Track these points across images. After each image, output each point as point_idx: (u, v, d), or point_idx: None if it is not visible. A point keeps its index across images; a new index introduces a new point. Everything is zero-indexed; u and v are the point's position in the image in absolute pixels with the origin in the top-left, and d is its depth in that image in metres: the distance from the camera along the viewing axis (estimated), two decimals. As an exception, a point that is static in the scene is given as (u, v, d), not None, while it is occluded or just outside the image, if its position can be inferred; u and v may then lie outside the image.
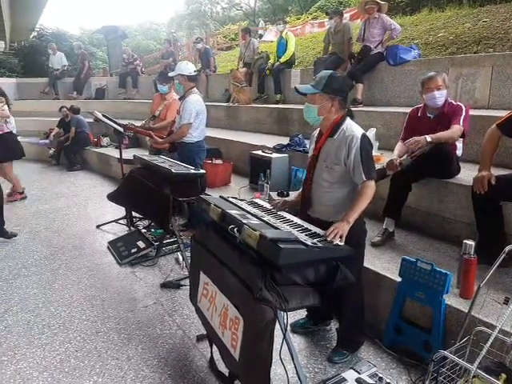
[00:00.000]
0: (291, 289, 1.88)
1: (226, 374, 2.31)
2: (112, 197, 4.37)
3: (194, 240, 2.48)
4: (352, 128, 2.30)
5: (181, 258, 3.84)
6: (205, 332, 2.54)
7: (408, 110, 3.46)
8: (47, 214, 5.45)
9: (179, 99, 4.56)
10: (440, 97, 3.05)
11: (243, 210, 2.23)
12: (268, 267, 1.81)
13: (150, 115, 5.19)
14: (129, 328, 2.87)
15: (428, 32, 6.65)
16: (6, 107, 5.52)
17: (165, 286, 3.45)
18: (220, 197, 2.50)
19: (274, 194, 4.08)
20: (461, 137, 3.05)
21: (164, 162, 3.90)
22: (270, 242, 1.73)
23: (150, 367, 2.47)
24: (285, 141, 5.14)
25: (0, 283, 3.52)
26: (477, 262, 2.34)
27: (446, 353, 1.89)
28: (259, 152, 4.84)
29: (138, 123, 5.58)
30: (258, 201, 2.63)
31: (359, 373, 2.12)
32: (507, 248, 2.01)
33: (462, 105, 3.08)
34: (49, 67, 11.91)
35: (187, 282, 3.20)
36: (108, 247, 4.25)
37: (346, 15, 9.51)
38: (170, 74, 4.67)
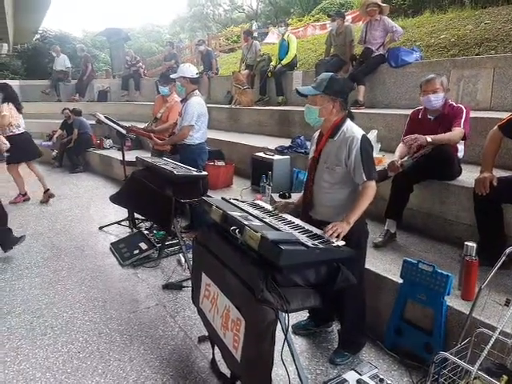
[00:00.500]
0: (292, 290, 1.89)
1: (228, 375, 2.31)
2: (114, 198, 4.39)
3: (196, 241, 2.49)
4: (352, 129, 2.31)
5: (183, 259, 3.85)
6: (207, 333, 2.55)
7: (409, 111, 3.47)
8: (50, 215, 5.47)
9: (181, 101, 4.57)
10: (435, 100, 3.06)
11: (245, 211, 2.24)
12: (269, 268, 1.82)
13: (152, 117, 5.21)
14: (131, 329, 2.88)
15: (430, 34, 6.65)
16: (6, 113, 5.52)
17: (167, 287, 3.46)
18: (222, 198, 2.51)
19: (275, 196, 4.09)
20: (462, 139, 3.05)
21: (166, 163, 3.91)
22: (272, 243, 1.73)
23: (152, 368, 2.48)
24: (286, 142, 5.15)
25: (3, 284, 3.54)
26: (478, 264, 2.34)
27: (447, 354, 1.89)
28: (261, 154, 4.84)
29: (141, 125, 5.60)
30: (259, 202, 2.64)
31: (360, 374, 2.13)
32: (508, 250, 2.02)
33: (462, 106, 3.09)
34: (52, 69, 11.96)
35: (189, 283, 3.21)
36: (110, 249, 4.26)
37: (348, 17, 9.53)
38: (173, 76, 4.69)
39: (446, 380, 1.93)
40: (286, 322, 1.83)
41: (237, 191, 4.81)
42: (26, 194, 6.14)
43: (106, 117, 5.18)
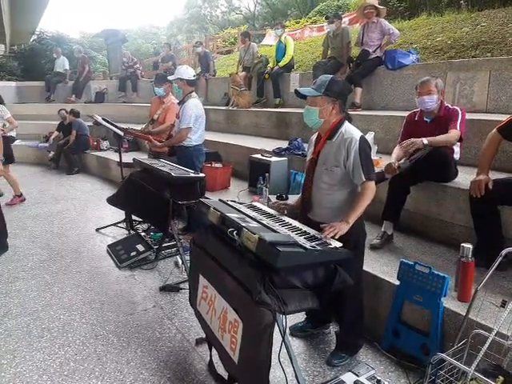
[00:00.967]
0: (290, 292, 1.89)
1: (225, 377, 2.31)
2: (111, 200, 4.38)
3: (194, 243, 2.49)
4: (350, 131, 2.33)
5: (180, 261, 3.84)
6: (204, 335, 2.55)
7: (406, 113, 3.49)
8: (46, 217, 5.46)
9: (178, 103, 4.57)
10: (429, 101, 3.08)
11: (242, 213, 2.24)
12: (267, 270, 1.83)
13: (149, 119, 5.21)
14: (128, 331, 2.88)
15: (426, 36, 6.68)
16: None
17: (164, 289, 3.46)
18: (219, 200, 2.51)
19: (273, 198, 4.09)
20: (458, 140, 3.07)
21: (164, 165, 3.91)
22: (269, 245, 1.74)
23: (149, 370, 2.48)
24: (284, 144, 5.16)
25: (-1, 286, 3.54)
26: (474, 265, 2.35)
27: (443, 355, 1.89)
28: (258, 156, 4.86)
29: (138, 127, 5.61)
30: (257, 204, 2.64)
31: (358, 375, 2.13)
32: (504, 251, 2.03)
33: (458, 108, 3.11)
34: (49, 71, 11.93)
35: (186, 285, 3.21)
36: (107, 251, 4.25)
37: (345, 19, 9.57)
38: (170, 78, 4.69)
39: (442, 381, 1.93)
40: (284, 323, 1.83)
41: (234, 193, 4.81)
42: (21, 194, 6.12)
43: (103, 118, 5.18)
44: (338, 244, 2.05)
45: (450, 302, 2.35)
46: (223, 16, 36.05)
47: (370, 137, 4.07)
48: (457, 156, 3.19)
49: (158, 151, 4.79)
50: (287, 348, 1.93)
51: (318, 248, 1.92)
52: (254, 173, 4.70)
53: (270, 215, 2.42)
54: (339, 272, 1.99)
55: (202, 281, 2.37)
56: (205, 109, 4.51)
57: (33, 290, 3.47)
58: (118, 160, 5.15)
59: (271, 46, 11.20)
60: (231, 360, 2.00)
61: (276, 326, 1.82)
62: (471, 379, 1.79)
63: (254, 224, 2.04)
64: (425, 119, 3.21)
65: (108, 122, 5.14)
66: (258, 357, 1.83)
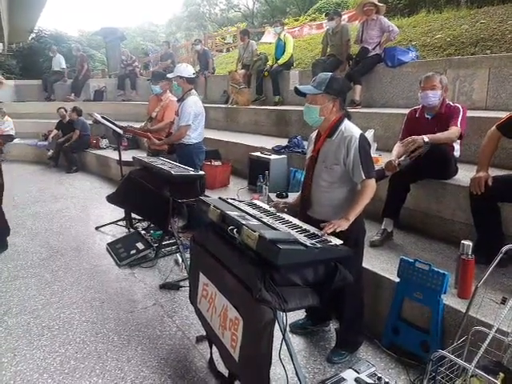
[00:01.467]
0: (290, 289, 1.89)
1: (226, 375, 2.31)
2: (111, 198, 4.38)
3: (194, 241, 2.49)
4: (350, 128, 2.32)
5: (180, 259, 3.84)
6: (204, 333, 2.55)
7: (406, 111, 3.49)
8: (46, 215, 5.45)
9: (178, 101, 4.56)
10: (433, 97, 3.07)
11: (242, 211, 2.24)
12: (267, 268, 1.83)
13: (148, 117, 5.19)
14: (128, 329, 2.88)
15: (426, 34, 6.67)
16: None
17: (164, 287, 3.46)
18: (219, 198, 2.51)
19: (272, 196, 4.09)
20: (458, 138, 3.07)
21: (163, 163, 3.91)
22: (269, 242, 1.74)
23: (149, 368, 2.48)
24: (283, 142, 5.15)
25: (-1, 285, 3.53)
26: (475, 262, 2.35)
27: (444, 352, 1.90)
28: (258, 153, 4.85)
29: (137, 125, 5.59)
30: (257, 202, 2.64)
31: (358, 372, 2.14)
32: (504, 248, 2.03)
33: (459, 106, 3.11)
34: (47, 70, 11.91)
35: (187, 283, 3.21)
36: (107, 249, 4.25)
37: (344, 17, 9.54)
38: (169, 76, 4.69)
39: (443, 378, 1.94)
40: (284, 321, 1.83)
41: (234, 191, 4.81)
42: None
43: (102, 116, 5.17)
44: (339, 241, 2.05)
45: (450, 299, 2.35)
46: (222, 14, 35.98)
47: (369, 134, 4.07)
48: (457, 153, 3.19)
49: (157, 149, 4.78)
50: (287, 345, 1.94)
51: (319, 245, 1.92)
52: (254, 171, 4.69)
53: (270, 213, 2.42)
54: (339, 269, 1.99)
55: (203, 279, 2.37)
56: (204, 107, 4.51)
57: (33, 288, 3.47)
58: (118, 158, 5.14)
59: (270, 43, 11.18)
60: (232, 357, 2.01)
61: (276, 323, 1.82)
62: (471, 376, 1.80)
63: (254, 222, 2.04)
64: (426, 116, 3.20)
65: (107, 120, 5.13)
66: (259, 354, 1.84)
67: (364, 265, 2.63)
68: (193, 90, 4.38)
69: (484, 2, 7.23)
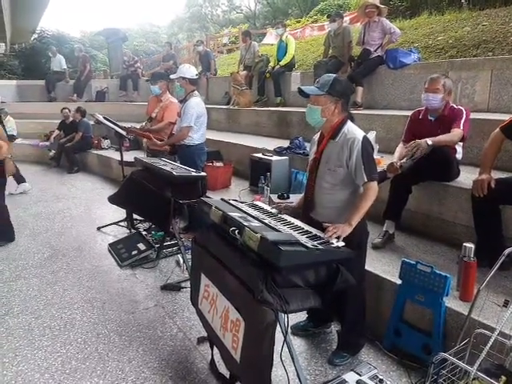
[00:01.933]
0: (292, 291, 1.89)
1: (227, 376, 2.31)
2: (113, 199, 4.37)
3: (195, 242, 2.49)
4: (353, 130, 2.32)
5: (181, 260, 3.84)
6: (205, 334, 2.55)
7: (408, 113, 3.49)
8: (48, 215, 5.46)
9: (180, 102, 4.57)
10: (433, 100, 3.07)
11: (244, 212, 2.24)
12: (269, 269, 1.82)
13: (147, 117, 5.17)
14: (129, 330, 2.88)
15: (428, 35, 6.67)
16: None
17: (165, 288, 3.46)
18: (221, 199, 2.51)
19: (274, 197, 4.09)
20: (461, 140, 3.07)
21: (165, 164, 3.91)
22: (271, 244, 1.74)
23: (150, 369, 2.48)
24: (285, 143, 5.16)
25: (1, 285, 3.53)
26: (476, 265, 2.35)
27: (445, 355, 1.89)
28: (259, 155, 4.85)
29: (139, 125, 5.59)
30: (258, 203, 2.64)
31: (360, 375, 2.13)
32: (507, 251, 2.02)
33: (462, 108, 3.10)
34: (49, 70, 11.93)
35: (188, 284, 3.21)
36: (108, 249, 4.25)
37: (346, 18, 9.54)
38: (172, 77, 4.70)
39: (444, 381, 1.93)
40: (286, 322, 1.83)
41: (235, 192, 4.81)
42: None
43: (104, 117, 5.17)
44: (341, 243, 2.05)
45: (452, 302, 2.34)
46: (224, 15, 36.02)
47: (371, 136, 4.07)
48: (459, 155, 3.18)
49: (156, 149, 4.78)
50: (289, 347, 1.93)
51: (320, 247, 1.92)
52: (255, 172, 4.69)
53: (271, 214, 2.41)
54: (341, 271, 1.99)
55: (204, 280, 2.37)
56: (206, 108, 4.51)
57: (34, 288, 3.48)
58: (119, 159, 5.14)
59: (272, 45, 11.19)
60: (233, 359, 2.00)
61: (278, 325, 1.82)
62: (473, 379, 1.79)
63: (255, 223, 2.04)
64: (429, 118, 3.20)
65: (109, 120, 5.14)
66: (260, 356, 1.83)
67: (366, 267, 2.62)
68: (195, 91, 4.39)
69: (486, 4, 7.23)
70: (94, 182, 7.43)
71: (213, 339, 2.35)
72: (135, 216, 4.75)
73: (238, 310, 1.97)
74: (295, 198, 2.97)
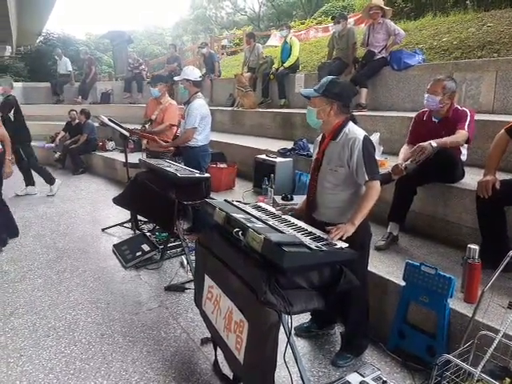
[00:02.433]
0: (296, 292, 1.89)
1: (231, 377, 2.31)
2: (117, 200, 4.39)
3: (199, 243, 2.49)
4: (354, 130, 2.33)
5: (185, 261, 3.85)
6: (209, 335, 2.55)
7: (412, 114, 3.48)
8: (53, 217, 5.49)
9: (184, 104, 4.58)
10: (431, 101, 3.07)
11: (248, 213, 2.25)
12: (272, 270, 1.83)
13: (147, 119, 5.15)
14: (133, 331, 2.89)
15: (432, 37, 6.65)
16: None
17: (169, 289, 3.46)
18: (225, 200, 2.52)
19: (278, 198, 4.09)
20: (466, 142, 3.05)
21: (169, 165, 3.92)
22: (275, 245, 1.74)
23: (154, 370, 2.48)
24: (289, 145, 5.16)
25: (6, 285, 3.55)
26: (481, 267, 2.34)
27: (449, 357, 1.88)
28: (263, 156, 4.86)
29: (139, 127, 5.60)
30: (262, 205, 2.65)
31: (363, 376, 2.12)
32: (511, 252, 2.01)
33: (467, 110, 3.09)
34: (56, 72, 12.01)
35: (192, 285, 3.22)
36: (113, 250, 4.27)
37: (351, 20, 9.54)
38: (176, 79, 4.72)
39: (448, 382, 1.92)
40: (289, 324, 1.83)
41: (239, 193, 4.82)
42: None
43: (109, 119, 5.20)
44: (344, 244, 2.05)
45: (457, 304, 2.34)
46: (228, 17, 36.09)
47: (375, 137, 4.07)
48: (464, 157, 3.17)
49: (156, 151, 4.80)
50: (292, 348, 1.93)
51: (324, 248, 1.92)
52: (259, 173, 4.70)
53: (275, 216, 2.42)
54: (345, 272, 1.99)
55: (208, 281, 2.37)
56: (210, 110, 4.52)
57: (39, 289, 3.50)
58: (124, 160, 5.17)
59: (276, 46, 11.21)
60: (236, 360, 2.00)
61: (281, 326, 1.82)
62: (477, 380, 1.78)
63: (259, 224, 2.04)
64: (433, 119, 3.19)
65: (114, 122, 5.16)
66: (264, 357, 1.83)
67: (370, 268, 2.62)
68: (199, 93, 4.41)
69: (491, 5, 7.21)
70: (99, 184, 7.46)
71: (216, 340, 2.35)
72: (139, 217, 4.76)
73: (241, 311, 1.97)
74: (299, 200, 2.96)
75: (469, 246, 2.38)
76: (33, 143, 9.31)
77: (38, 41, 17.07)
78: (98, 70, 12.99)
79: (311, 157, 2.66)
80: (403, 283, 2.52)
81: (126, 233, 4.77)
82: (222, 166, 5.14)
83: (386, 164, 3.82)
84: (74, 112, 8.71)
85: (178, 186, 3.59)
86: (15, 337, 2.82)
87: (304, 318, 2.87)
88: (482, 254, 2.38)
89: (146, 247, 4.07)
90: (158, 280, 3.66)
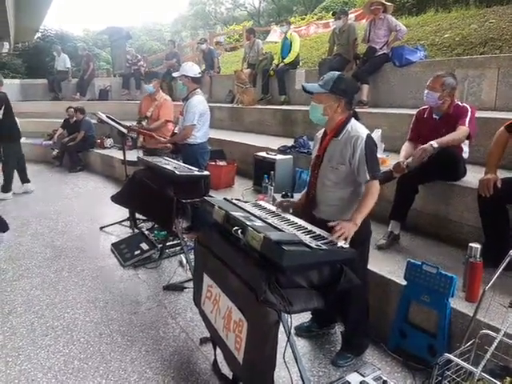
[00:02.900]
0: (295, 291, 1.88)
1: (230, 377, 2.30)
2: (115, 198, 4.37)
3: (198, 242, 2.48)
4: (357, 128, 2.31)
5: (184, 260, 3.83)
6: (208, 335, 2.53)
7: (414, 111, 3.45)
8: (50, 215, 5.46)
9: (182, 100, 4.55)
10: (429, 97, 3.06)
11: (247, 212, 2.22)
12: (272, 269, 1.81)
13: (142, 117, 5.12)
14: (132, 330, 2.87)
15: (434, 33, 6.62)
16: None
17: (168, 288, 3.44)
18: (224, 199, 2.49)
19: (278, 196, 4.06)
20: (467, 138, 3.03)
21: (168, 163, 3.89)
22: (274, 244, 1.72)
23: (153, 369, 2.47)
24: (289, 142, 5.12)
25: (4, 284, 3.53)
26: (482, 266, 2.32)
27: (450, 356, 1.87)
28: (263, 153, 4.82)
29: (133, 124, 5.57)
30: (261, 203, 2.62)
31: (363, 376, 2.10)
32: (512, 251, 2.00)
33: (467, 106, 3.07)
34: (53, 69, 11.94)
35: (191, 284, 3.20)
36: (111, 249, 4.24)
37: (351, 15, 9.49)
38: (174, 75, 4.69)
39: (449, 382, 1.91)
40: (289, 323, 1.82)
41: (239, 191, 4.79)
42: None
43: (107, 116, 5.16)
44: (344, 244, 2.03)
45: (458, 303, 2.32)
46: (228, 13, 35.96)
47: (377, 134, 4.04)
48: (465, 155, 3.15)
49: (153, 148, 4.78)
50: (292, 348, 1.92)
51: (324, 247, 1.90)
52: (259, 171, 4.67)
53: (275, 214, 2.40)
54: (345, 271, 1.97)
55: (207, 280, 2.35)
56: (209, 106, 4.49)
57: (37, 288, 3.48)
58: (122, 158, 5.14)
59: (276, 42, 11.16)
60: (236, 360, 1.99)
61: (281, 325, 1.80)
62: (478, 380, 1.77)
63: (259, 223, 2.02)
64: (434, 116, 3.17)
65: (112, 119, 5.13)
66: (263, 356, 1.82)
67: (371, 267, 2.60)
68: (198, 90, 4.37)
69: (493, 1, 7.17)
70: (97, 182, 7.43)
71: (216, 340, 2.34)
72: (138, 215, 4.74)
73: (240, 310, 1.96)
74: (298, 196, 2.93)
75: (470, 244, 2.36)
76: (30, 141, 9.35)
77: (35, 37, 17.00)
78: (96, 66, 12.92)
79: (312, 154, 2.63)
80: (404, 282, 2.50)
81: (124, 231, 4.74)
82: (222, 163, 5.11)
83: (388, 162, 3.79)
84: (72, 109, 8.67)
85: (177, 183, 3.56)
86: (13, 336, 2.80)
87: (304, 318, 2.85)
88: (485, 252, 2.36)
89: (144, 246, 4.05)
90: (156, 279, 3.64)
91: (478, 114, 3.23)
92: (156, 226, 4.52)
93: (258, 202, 2.70)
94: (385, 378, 2.10)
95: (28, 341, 2.75)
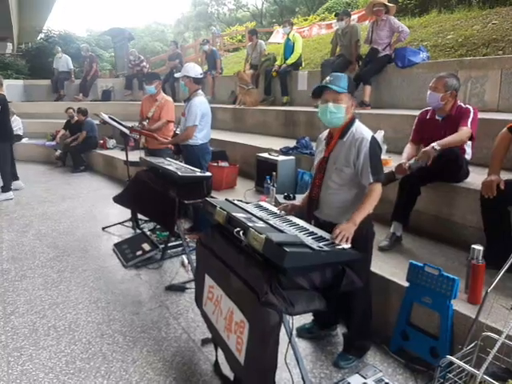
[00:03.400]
0: (297, 293, 1.87)
1: (231, 378, 2.29)
2: (118, 199, 4.38)
3: (200, 243, 2.47)
4: (361, 130, 2.30)
5: (186, 260, 3.83)
6: (210, 335, 2.53)
7: (416, 112, 3.45)
8: (53, 215, 5.47)
9: (184, 101, 4.55)
10: (431, 98, 3.06)
11: (249, 213, 2.22)
12: (274, 271, 1.81)
13: (144, 117, 5.12)
14: (134, 331, 2.87)
15: (437, 34, 6.60)
16: None
17: (170, 288, 3.45)
18: (226, 200, 2.49)
19: (280, 197, 4.07)
20: (469, 139, 3.02)
21: (170, 164, 3.90)
22: (276, 245, 1.72)
23: (154, 370, 2.47)
24: (291, 143, 5.12)
25: (6, 285, 3.54)
26: (485, 267, 2.31)
27: (452, 358, 1.86)
28: (265, 154, 4.81)
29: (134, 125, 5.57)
30: (263, 204, 2.62)
31: (365, 378, 2.11)
32: (515, 253, 1.99)
33: (470, 107, 3.06)
34: (54, 69, 11.97)
35: (192, 285, 3.19)
36: (113, 249, 4.25)
37: (354, 16, 9.49)
38: (176, 75, 4.70)
39: (451, 384, 1.90)
40: (290, 324, 1.81)
41: (241, 192, 4.79)
42: None
43: (109, 117, 5.17)
44: (347, 245, 2.02)
45: (460, 305, 2.31)
46: (230, 13, 36.00)
47: (379, 136, 4.03)
48: (468, 156, 3.14)
49: (155, 148, 4.78)
50: (294, 349, 1.91)
51: (326, 249, 1.90)
52: (261, 172, 4.66)
53: (277, 215, 2.40)
54: (347, 273, 1.97)
55: (208, 281, 2.35)
56: (211, 107, 4.49)
57: (39, 288, 3.48)
58: (125, 159, 5.15)
59: (279, 43, 11.16)
60: (237, 361, 1.98)
61: (282, 327, 1.80)
62: (480, 382, 1.76)
63: (260, 224, 2.02)
64: (436, 117, 3.16)
65: (114, 120, 5.14)
66: (264, 358, 1.82)
67: (372, 269, 2.59)
68: (199, 91, 4.37)
69: (496, 2, 7.16)
70: (100, 182, 7.44)
71: (217, 341, 2.33)
72: (140, 216, 4.74)
73: (242, 311, 1.95)
74: (299, 198, 2.93)
75: (473, 246, 2.35)
76: (33, 141, 9.39)
77: (38, 38, 17.05)
78: (98, 67, 12.94)
79: (314, 155, 2.63)
80: (406, 284, 2.49)
81: (126, 232, 4.75)
82: (224, 164, 5.11)
83: (390, 163, 3.78)
84: (71, 110, 8.69)
85: (179, 184, 3.56)
86: (15, 336, 2.81)
87: (306, 319, 2.84)
88: (487, 254, 2.35)
89: (146, 246, 4.05)
90: (158, 280, 3.64)
91: (481, 116, 3.22)
92: (158, 226, 4.52)
93: (260, 203, 2.69)
94: (386, 380, 2.10)
95: (30, 341, 2.75)
